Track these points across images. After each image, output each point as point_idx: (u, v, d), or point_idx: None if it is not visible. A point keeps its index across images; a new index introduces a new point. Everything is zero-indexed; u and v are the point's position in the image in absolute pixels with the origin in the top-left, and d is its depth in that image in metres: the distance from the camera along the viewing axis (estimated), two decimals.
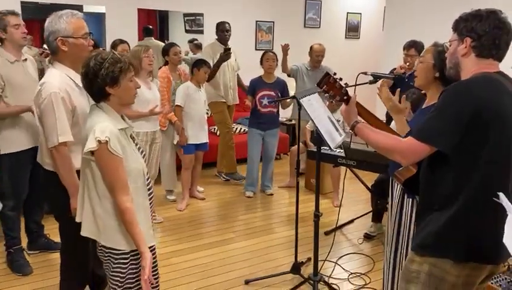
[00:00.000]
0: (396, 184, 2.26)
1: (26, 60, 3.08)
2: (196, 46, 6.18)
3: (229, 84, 5.06)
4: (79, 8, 5.22)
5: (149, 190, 2.00)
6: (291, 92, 4.77)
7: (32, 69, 3.11)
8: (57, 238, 3.47)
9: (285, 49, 4.73)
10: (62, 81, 2.14)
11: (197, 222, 4.15)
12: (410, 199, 2.12)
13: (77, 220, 1.97)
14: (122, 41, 4.48)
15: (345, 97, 1.92)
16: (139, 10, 5.72)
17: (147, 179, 1.98)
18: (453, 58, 1.75)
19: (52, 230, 3.59)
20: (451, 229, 1.65)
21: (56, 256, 3.35)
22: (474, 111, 1.56)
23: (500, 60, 1.70)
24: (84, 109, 2.13)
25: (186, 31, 6.22)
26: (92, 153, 1.79)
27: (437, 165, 1.68)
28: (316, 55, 4.87)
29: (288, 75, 4.99)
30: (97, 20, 5.53)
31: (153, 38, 5.88)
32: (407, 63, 4.14)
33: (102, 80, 1.82)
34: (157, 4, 5.83)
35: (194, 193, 4.69)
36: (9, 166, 3.01)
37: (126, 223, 1.83)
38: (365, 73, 2.69)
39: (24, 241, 3.33)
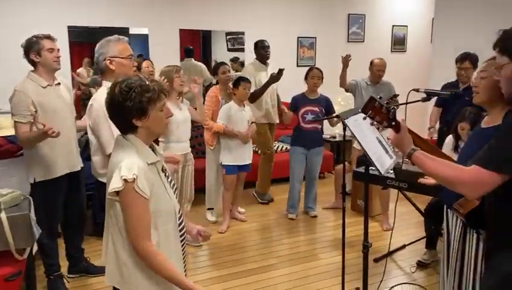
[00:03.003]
0: (453, 214, 2.01)
1: (59, 84, 3.02)
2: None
3: (270, 102, 4.92)
4: (126, 30, 5.36)
5: (181, 231, 1.79)
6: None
7: (65, 93, 3.07)
8: (96, 261, 3.47)
9: (346, 61, 4.49)
10: None
11: (237, 246, 4.00)
12: (475, 233, 1.86)
13: (102, 263, 1.78)
14: (145, 59, 4.54)
15: (393, 123, 1.69)
16: (183, 30, 5.76)
17: (179, 219, 1.78)
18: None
19: (92, 253, 3.57)
20: None
21: (96, 280, 3.32)
22: None
23: None
24: None
25: (229, 50, 6.21)
26: (117, 193, 1.58)
27: (508, 195, 1.45)
28: (377, 70, 4.59)
29: (347, 90, 4.76)
30: (141, 41, 5.63)
31: (192, 59, 5.91)
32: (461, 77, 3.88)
33: (129, 112, 1.61)
34: (197, 24, 5.86)
35: (235, 214, 4.57)
36: (43, 194, 2.93)
37: (157, 267, 1.61)
38: (417, 90, 2.48)
39: (65, 266, 3.31)
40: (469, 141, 2.08)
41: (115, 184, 1.57)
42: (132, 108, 1.60)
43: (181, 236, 1.79)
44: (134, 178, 1.55)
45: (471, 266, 1.89)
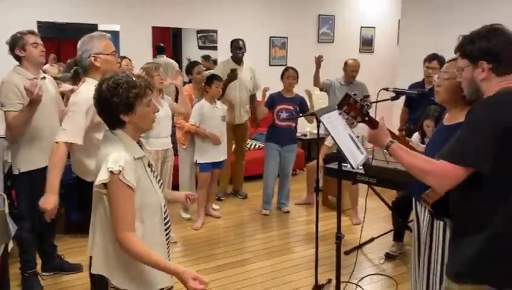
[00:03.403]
0: (422, 205, 2.14)
1: (44, 78, 3.05)
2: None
3: (238, 102, 4.95)
4: (94, 26, 5.29)
5: (166, 224, 1.83)
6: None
7: (51, 87, 3.10)
8: (70, 259, 3.45)
9: (319, 61, 4.67)
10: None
11: (213, 241, 4.06)
12: (441, 222, 2.00)
13: (88, 254, 1.81)
14: (123, 57, 4.48)
15: (366, 118, 1.83)
16: (153, 28, 5.75)
17: (165, 213, 1.82)
18: (472, 84, 1.67)
19: (65, 251, 3.55)
20: (488, 254, 1.56)
21: (70, 278, 3.30)
22: (507, 126, 1.48)
23: None
24: None
25: (200, 48, 6.23)
26: (105, 185, 1.62)
27: (470, 186, 1.58)
28: (351, 70, 4.77)
29: (321, 90, 4.91)
30: (112, 38, 5.56)
31: (164, 56, 5.91)
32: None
33: (116, 108, 1.65)
34: (170, 22, 5.86)
35: (209, 211, 4.62)
36: (28, 185, 2.93)
37: (138, 255, 1.62)
38: (386, 89, 2.62)
39: (38, 264, 3.26)
40: (433, 137, 2.23)
41: (101, 176, 1.61)
42: (119, 104, 1.65)
43: (166, 230, 1.82)
44: (120, 170, 1.59)
45: (438, 254, 2.02)
